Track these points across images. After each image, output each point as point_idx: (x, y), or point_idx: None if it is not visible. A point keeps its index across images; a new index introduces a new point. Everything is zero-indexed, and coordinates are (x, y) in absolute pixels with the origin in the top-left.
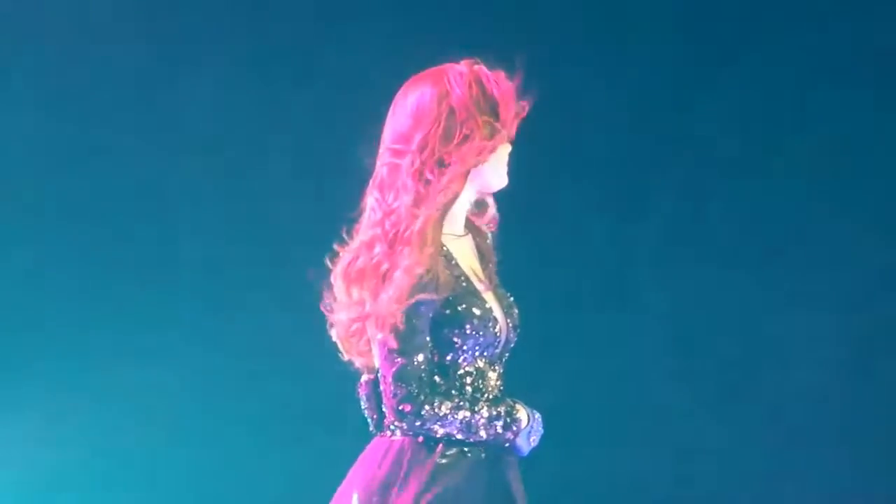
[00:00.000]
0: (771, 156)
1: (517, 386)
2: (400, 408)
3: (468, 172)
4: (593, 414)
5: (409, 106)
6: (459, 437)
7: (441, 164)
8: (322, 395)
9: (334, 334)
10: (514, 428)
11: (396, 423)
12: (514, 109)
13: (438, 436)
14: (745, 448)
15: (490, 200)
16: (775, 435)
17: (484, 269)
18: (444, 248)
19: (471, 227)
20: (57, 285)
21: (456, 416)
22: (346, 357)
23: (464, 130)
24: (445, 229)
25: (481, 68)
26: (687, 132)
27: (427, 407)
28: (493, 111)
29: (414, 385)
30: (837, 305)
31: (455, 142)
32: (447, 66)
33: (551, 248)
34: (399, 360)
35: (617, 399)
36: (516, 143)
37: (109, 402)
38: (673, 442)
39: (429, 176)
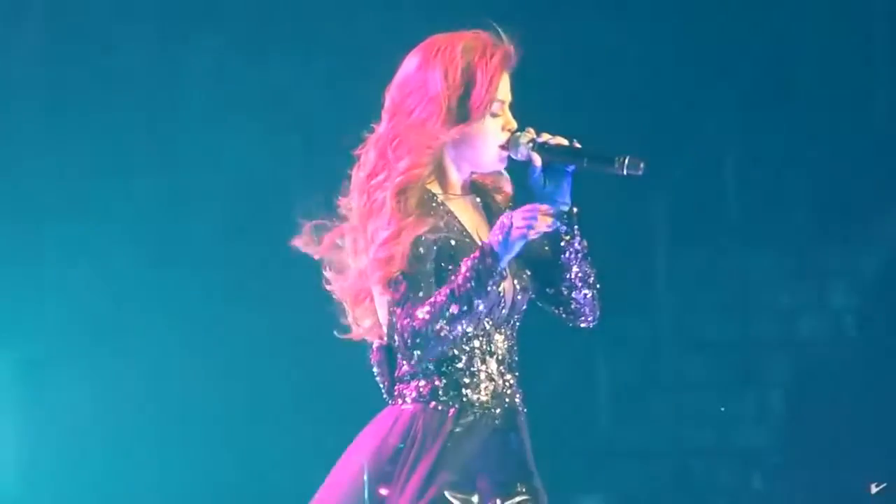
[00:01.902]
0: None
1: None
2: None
3: (429, 155)
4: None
5: (398, 75)
6: (471, 316)
7: (401, 139)
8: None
9: (344, 308)
10: (491, 249)
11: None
12: (490, 90)
13: (427, 396)
14: None
15: (505, 179)
16: None
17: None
18: (445, 206)
19: (481, 189)
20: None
21: (451, 312)
22: (358, 329)
23: (421, 114)
24: (444, 190)
25: (480, 39)
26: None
27: (422, 316)
28: (468, 91)
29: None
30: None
31: (412, 121)
32: (451, 36)
33: None
34: (401, 307)
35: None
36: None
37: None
38: None
39: (389, 154)
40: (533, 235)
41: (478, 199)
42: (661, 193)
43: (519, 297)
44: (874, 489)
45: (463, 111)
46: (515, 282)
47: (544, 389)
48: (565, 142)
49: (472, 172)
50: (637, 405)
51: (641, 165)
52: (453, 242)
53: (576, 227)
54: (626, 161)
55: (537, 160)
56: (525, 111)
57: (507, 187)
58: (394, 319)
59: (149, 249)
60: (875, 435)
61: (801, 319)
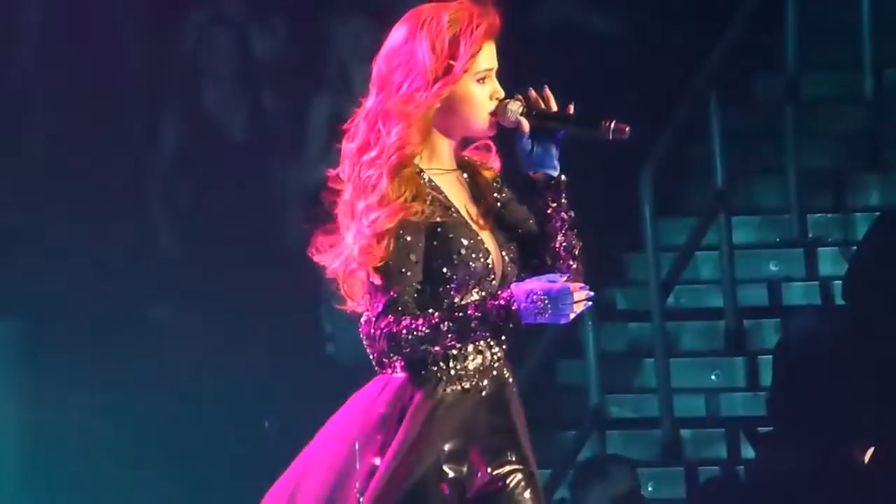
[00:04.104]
0: None
1: None
2: (386, 340)
3: (418, 125)
4: None
5: (384, 47)
6: (459, 345)
7: (390, 112)
8: None
9: (337, 281)
10: (511, 305)
11: (390, 357)
12: (475, 56)
13: (439, 356)
14: None
15: (493, 156)
16: None
17: (478, 205)
18: (432, 182)
19: (470, 163)
20: None
21: (442, 328)
22: (350, 301)
23: (410, 86)
24: (432, 165)
25: (465, 9)
26: None
27: (406, 332)
28: (453, 57)
29: (397, 315)
30: None
31: (401, 94)
32: (436, 6)
33: None
34: (384, 295)
35: None
36: None
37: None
38: None
39: (380, 127)
40: (564, 321)
41: (465, 176)
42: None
43: (508, 268)
44: (866, 456)
45: (447, 75)
46: (504, 253)
47: (533, 358)
48: (553, 107)
49: (463, 141)
50: (626, 374)
51: (627, 129)
52: (439, 220)
53: (563, 195)
54: (612, 125)
55: (525, 126)
56: (512, 76)
57: (495, 164)
58: (374, 308)
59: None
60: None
61: (789, 288)
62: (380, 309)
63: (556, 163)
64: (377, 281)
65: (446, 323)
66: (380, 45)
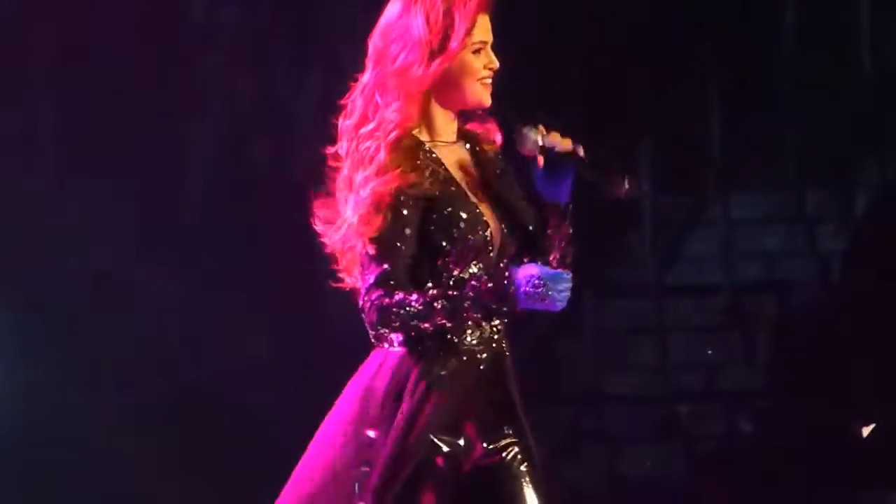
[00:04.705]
0: None
1: None
2: (377, 312)
3: (415, 98)
4: None
5: (380, 23)
6: (451, 324)
7: (387, 86)
8: None
9: (335, 257)
10: (508, 289)
11: (379, 329)
12: (469, 28)
13: (430, 332)
14: None
15: (494, 129)
16: None
17: (479, 177)
18: (433, 154)
19: (471, 136)
20: None
21: (436, 305)
22: (347, 277)
23: (406, 59)
24: (432, 137)
25: None
26: None
27: (398, 306)
28: (448, 33)
29: (389, 288)
30: None
31: (397, 67)
32: None
33: None
34: (377, 266)
35: None
36: None
37: None
38: None
39: (378, 100)
40: (558, 308)
41: (467, 146)
42: (646, 138)
43: (507, 240)
44: (865, 431)
45: (444, 51)
46: (502, 226)
47: (531, 334)
48: (570, 146)
49: (463, 112)
50: (624, 350)
51: (642, 189)
52: (438, 192)
53: (567, 219)
54: (626, 184)
55: (541, 161)
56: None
57: (497, 137)
58: (366, 279)
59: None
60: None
61: (787, 263)
62: (371, 281)
63: (566, 196)
64: (371, 251)
65: (440, 301)
66: (371, 24)
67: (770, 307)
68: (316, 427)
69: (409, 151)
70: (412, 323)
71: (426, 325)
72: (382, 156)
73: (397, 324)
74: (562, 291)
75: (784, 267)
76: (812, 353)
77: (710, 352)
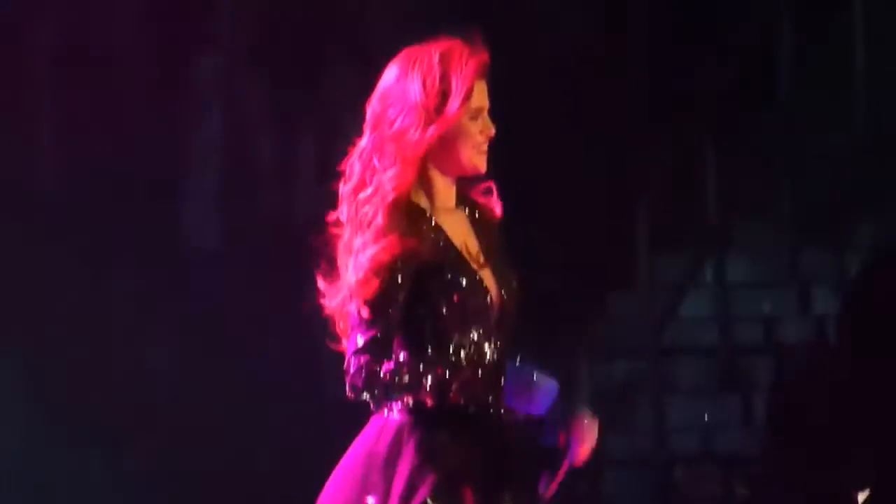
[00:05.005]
0: None
1: None
2: (365, 378)
3: (412, 162)
4: None
5: (378, 87)
6: (432, 402)
7: (384, 150)
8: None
9: (334, 319)
10: (500, 390)
11: (361, 394)
12: (466, 93)
13: (410, 404)
14: None
15: (494, 198)
16: None
17: (479, 243)
18: (433, 221)
19: (470, 202)
20: None
21: (424, 382)
22: (344, 340)
23: (403, 123)
24: (431, 202)
25: (457, 47)
26: None
27: (388, 376)
28: (445, 98)
29: (378, 356)
30: None
31: (394, 131)
32: (427, 46)
33: None
34: (368, 330)
35: None
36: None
37: None
38: None
39: (375, 164)
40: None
41: (466, 211)
42: (641, 199)
43: (507, 307)
44: (860, 498)
45: (440, 117)
46: (503, 291)
47: None
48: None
49: (462, 178)
50: (620, 411)
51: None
52: (438, 258)
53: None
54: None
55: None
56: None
57: (497, 208)
58: (354, 341)
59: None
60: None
61: (782, 326)
62: (360, 344)
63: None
64: (364, 314)
65: (428, 378)
66: (367, 89)
67: (766, 370)
68: (316, 493)
69: (408, 216)
70: (396, 394)
71: (409, 398)
72: (381, 220)
73: (382, 392)
74: (549, 403)
75: (779, 329)
76: (809, 416)
77: (706, 415)
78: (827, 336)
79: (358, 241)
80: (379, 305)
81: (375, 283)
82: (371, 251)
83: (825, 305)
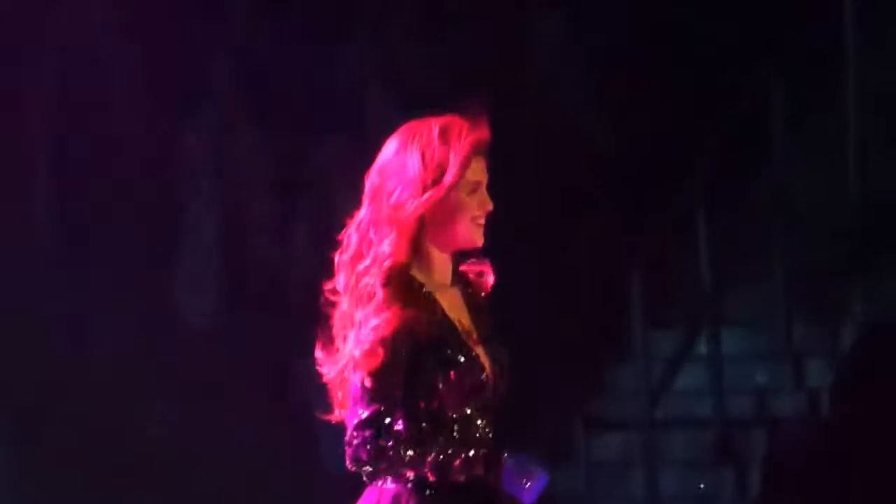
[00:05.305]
0: None
1: None
2: (370, 451)
3: (408, 234)
4: None
5: (378, 160)
6: (434, 478)
7: (381, 222)
8: None
9: (331, 389)
10: (496, 471)
11: (364, 467)
12: (463, 167)
13: (410, 479)
14: None
15: (488, 270)
16: None
17: (473, 321)
18: (429, 295)
19: (464, 280)
20: None
21: (427, 458)
22: (339, 410)
23: (400, 196)
24: (428, 278)
25: (456, 123)
26: None
27: (391, 452)
28: (443, 172)
29: (383, 429)
30: None
31: (391, 203)
32: (428, 120)
33: None
34: (372, 403)
35: None
36: None
37: None
38: None
39: (371, 236)
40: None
41: (460, 288)
42: (635, 272)
43: (498, 383)
44: None
45: (437, 186)
46: (496, 367)
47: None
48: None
49: (459, 253)
50: (615, 483)
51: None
52: (436, 335)
53: None
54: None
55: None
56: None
57: (489, 280)
58: (357, 414)
59: None
60: None
61: (776, 398)
62: (364, 417)
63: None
64: (368, 384)
65: (432, 456)
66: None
67: (760, 442)
68: None
69: (407, 287)
70: (400, 469)
71: (416, 472)
72: (381, 293)
73: (386, 466)
74: (538, 493)
75: (773, 402)
76: (803, 489)
77: (701, 486)
78: (819, 408)
79: (359, 314)
80: (383, 377)
81: (380, 355)
82: (374, 323)
83: (819, 378)
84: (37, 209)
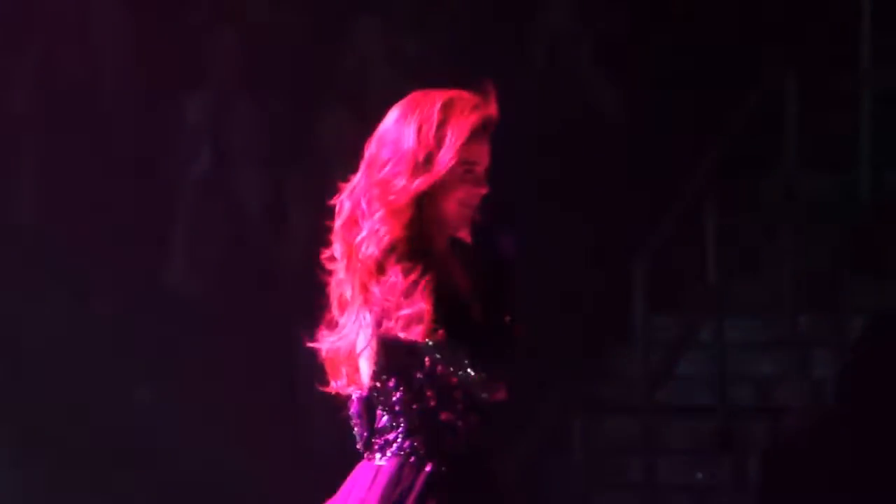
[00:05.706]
0: None
1: None
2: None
3: (400, 210)
4: None
5: (379, 128)
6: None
7: (369, 196)
8: None
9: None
10: None
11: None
12: (459, 148)
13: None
14: None
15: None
16: None
17: (474, 288)
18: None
19: (464, 248)
20: None
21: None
22: (335, 382)
23: (392, 169)
24: (432, 254)
25: (463, 97)
26: None
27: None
28: (438, 148)
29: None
30: None
31: (382, 176)
32: (434, 92)
33: None
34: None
35: None
36: None
37: None
38: None
39: (363, 207)
40: None
41: (460, 256)
42: (641, 259)
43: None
44: None
45: (429, 167)
46: (494, 331)
47: (520, 451)
48: None
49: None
50: (612, 469)
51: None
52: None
53: None
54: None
55: None
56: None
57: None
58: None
59: None
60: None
61: (780, 388)
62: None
63: None
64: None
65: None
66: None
67: (762, 432)
68: None
69: (415, 250)
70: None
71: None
72: (390, 260)
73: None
74: None
75: (777, 391)
76: (804, 480)
77: (699, 475)
78: (824, 398)
79: (376, 288)
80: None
81: (426, 314)
82: (403, 289)
83: (823, 368)
84: (27, 187)
